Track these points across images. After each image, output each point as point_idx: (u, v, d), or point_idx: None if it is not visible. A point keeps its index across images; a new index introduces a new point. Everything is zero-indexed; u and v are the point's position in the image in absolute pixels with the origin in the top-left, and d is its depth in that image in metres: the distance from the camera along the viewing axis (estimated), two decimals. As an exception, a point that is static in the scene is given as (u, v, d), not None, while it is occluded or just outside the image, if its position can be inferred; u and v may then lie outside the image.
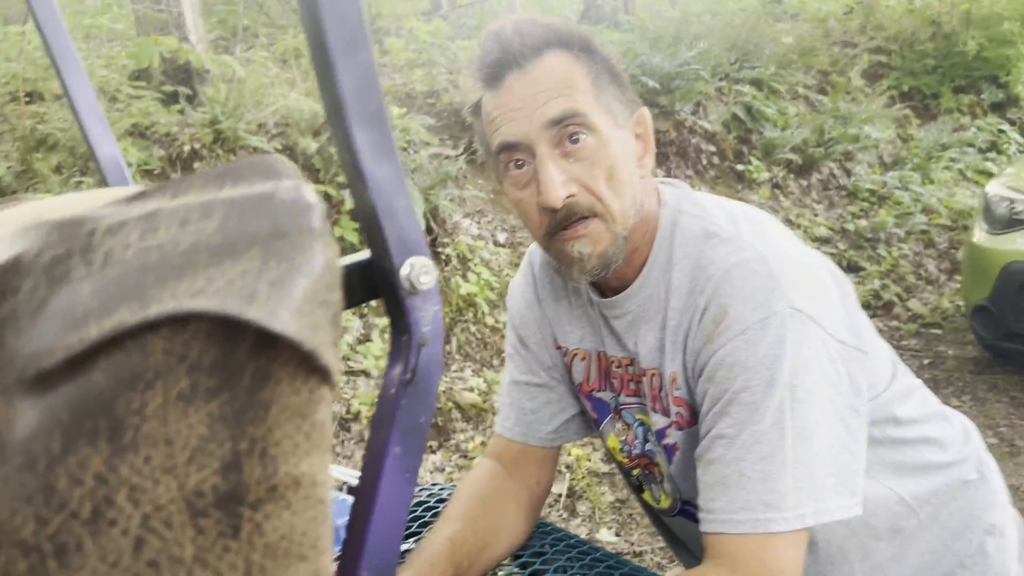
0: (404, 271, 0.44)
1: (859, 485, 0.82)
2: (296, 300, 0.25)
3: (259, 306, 0.24)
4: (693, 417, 0.90)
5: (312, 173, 3.95)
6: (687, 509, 1.00)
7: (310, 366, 0.26)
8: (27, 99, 3.63)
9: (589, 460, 3.20)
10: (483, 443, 3.18)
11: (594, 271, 0.88)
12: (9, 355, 0.23)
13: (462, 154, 4.54)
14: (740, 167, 5.64)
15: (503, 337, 3.74)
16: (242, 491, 0.25)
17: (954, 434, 1.01)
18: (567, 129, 0.83)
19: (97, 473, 0.23)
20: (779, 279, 0.82)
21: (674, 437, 0.93)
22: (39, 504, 0.23)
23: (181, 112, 3.91)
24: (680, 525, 1.05)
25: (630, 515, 2.96)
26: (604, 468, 3.16)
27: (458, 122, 4.92)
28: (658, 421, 0.95)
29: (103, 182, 0.92)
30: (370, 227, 0.45)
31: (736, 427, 0.80)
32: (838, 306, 0.87)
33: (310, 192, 0.28)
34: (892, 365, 0.98)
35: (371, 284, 0.46)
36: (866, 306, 4.73)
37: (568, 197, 0.84)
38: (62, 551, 0.23)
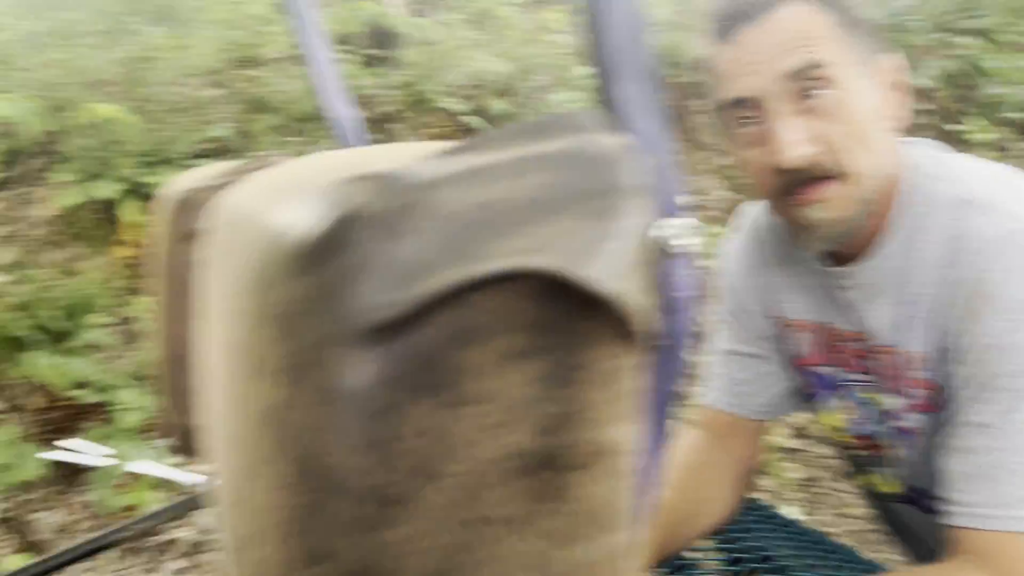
0: (661, 232, 0.43)
1: None
2: (618, 261, 0.24)
3: (587, 266, 0.24)
4: (938, 401, 0.82)
5: (502, 134, 4.02)
6: (918, 498, 0.93)
7: (628, 332, 0.25)
8: (246, 64, 3.93)
9: (774, 435, 3.09)
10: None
11: (832, 239, 0.81)
12: (345, 307, 0.23)
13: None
14: (956, 127, 5.13)
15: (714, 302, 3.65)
16: (556, 455, 0.25)
17: None
18: (807, 83, 0.77)
19: (430, 427, 0.24)
20: None
21: (912, 421, 0.86)
22: (378, 453, 0.24)
23: (379, 76, 4.09)
24: (904, 512, 0.97)
25: (817, 494, 2.83)
26: (791, 444, 3.03)
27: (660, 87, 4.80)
28: (892, 402, 0.88)
29: (340, 141, 0.97)
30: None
31: (999, 415, 0.73)
32: None
33: (622, 146, 0.27)
34: None
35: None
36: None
37: (807, 156, 0.77)
38: (398, 500, 0.24)
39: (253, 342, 0.27)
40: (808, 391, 1.01)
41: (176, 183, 0.75)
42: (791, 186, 0.79)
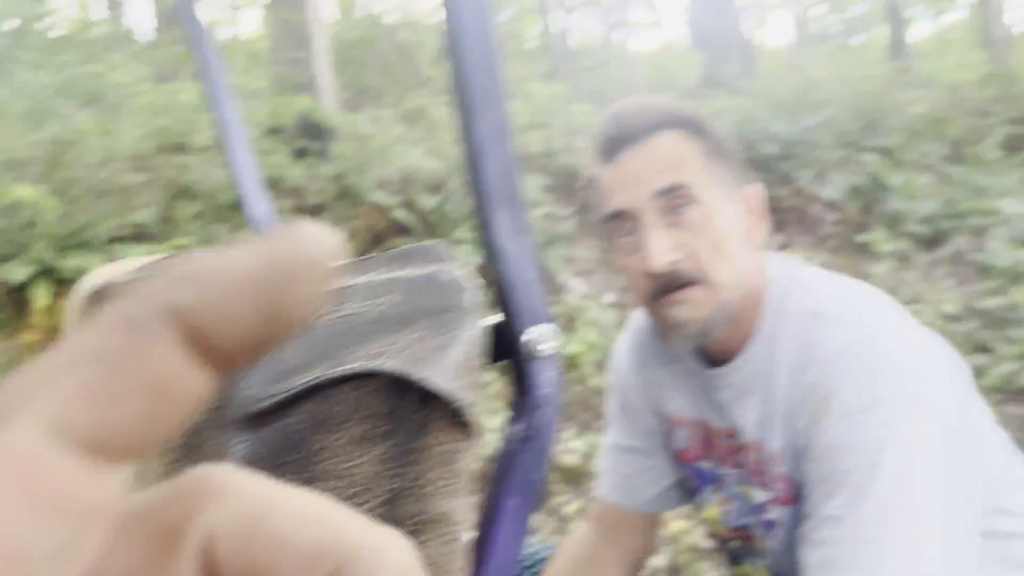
0: (527, 338, 0.49)
1: None
2: (452, 365, 0.30)
3: (425, 369, 0.29)
4: (796, 494, 0.90)
5: (429, 228, 4.11)
6: None
7: (459, 420, 0.31)
8: (173, 151, 3.96)
9: (690, 535, 3.13)
10: (581, 508, 3.17)
11: (694, 337, 0.90)
12: (227, 400, 0.28)
13: (574, 214, 4.62)
14: (863, 238, 5.48)
15: (606, 399, 3.74)
16: (397, 523, 0.30)
17: None
18: (675, 200, 0.88)
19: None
20: (889, 361, 0.82)
21: (776, 513, 0.93)
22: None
23: (310, 167, 4.17)
24: None
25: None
26: (707, 544, 3.08)
27: (572, 183, 5.02)
28: (758, 495, 0.95)
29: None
30: (500, 297, 0.50)
31: (843, 509, 0.80)
32: (950, 390, 0.86)
33: (466, 275, 0.33)
34: (1007, 454, 0.94)
35: (498, 348, 0.51)
36: (999, 390, 4.45)
37: (671, 263, 0.87)
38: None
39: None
40: (691, 485, 1.07)
41: (93, 276, 0.78)
42: (660, 290, 0.89)
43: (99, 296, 0.75)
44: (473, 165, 0.49)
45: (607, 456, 1.12)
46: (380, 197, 4.02)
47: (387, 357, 0.29)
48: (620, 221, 0.91)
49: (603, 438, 1.15)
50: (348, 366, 0.29)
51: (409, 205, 4.15)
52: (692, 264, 0.88)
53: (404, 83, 7.02)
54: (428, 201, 4.08)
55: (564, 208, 4.75)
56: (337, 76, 5.49)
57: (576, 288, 4.38)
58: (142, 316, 0.16)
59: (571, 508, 3.18)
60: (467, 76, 0.43)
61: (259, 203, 0.97)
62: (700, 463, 1.04)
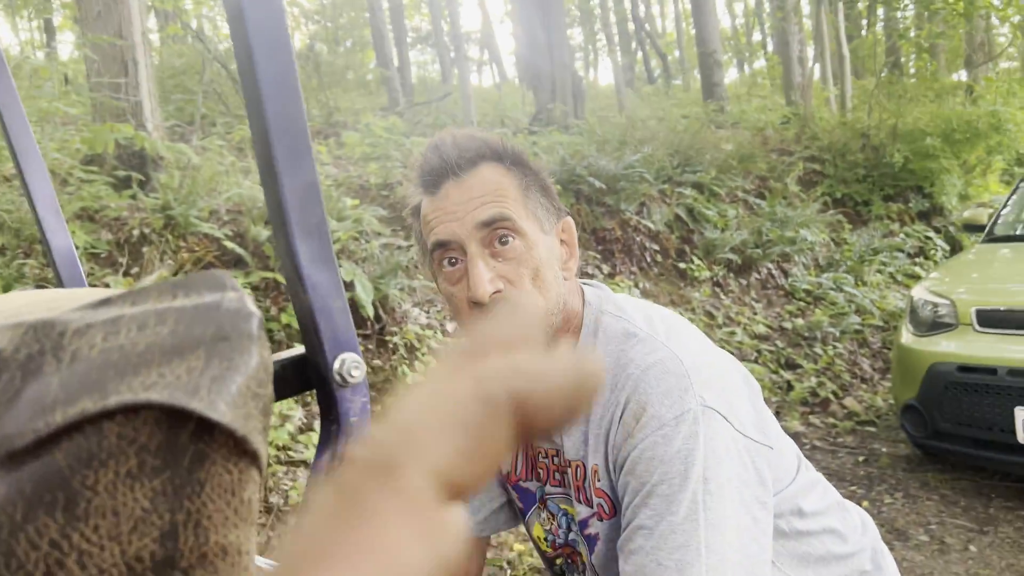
0: (336, 365, 0.50)
1: (766, 574, 0.86)
2: (232, 393, 0.30)
3: (200, 398, 0.29)
4: (614, 508, 0.94)
5: (262, 260, 3.98)
6: None
7: (241, 450, 0.31)
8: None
9: (532, 556, 3.18)
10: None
11: None
12: (-16, 436, 0.27)
13: (413, 244, 4.63)
14: (682, 265, 5.84)
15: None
16: (177, 557, 0.30)
17: (853, 524, 1.07)
18: (496, 232, 0.92)
19: (51, 539, 0.27)
20: (692, 378, 0.89)
21: (596, 527, 0.97)
22: (1, 565, 0.27)
23: (133, 197, 3.94)
24: None
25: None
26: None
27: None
28: (581, 511, 0.99)
29: (55, 273, 0.96)
30: (306, 326, 0.50)
31: (654, 518, 0.85)
32: (746, 404, 0.94)
33: (250, 303, 0.33)
34: (797, 459, 1.04)
35: (305, 377, 0.51)
36: (803, 403, 4.86)
37: (495, 292, 0.91)
38: (16, 607, 0.27)
39: None
40: (518, 506, 1.10)
41: None
42: (483, 316, 0.91)
43: None
44: (274, 197, 0.49)
45: None
46: (209, 228, 3.85)
47: (159, 388, 0.29)
48: (445, 251, 0.94)
49: None
50: (116, 398, 0.28)
51: (241, 236, 4.00)
52: (514, 293, 0.92)
53: (237, 112, 6.79)
54: (260, 232, 3.95)
55: (403, 239, 4.75)
56: (164, 104, 5.23)
57: (417, 318, 4.38)
58: (497, 396, 0.23)
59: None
60: (263, 100, 0.43)
61: (61, 238, 0.91)
62: (525, 483, 1.07)
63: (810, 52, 11.87)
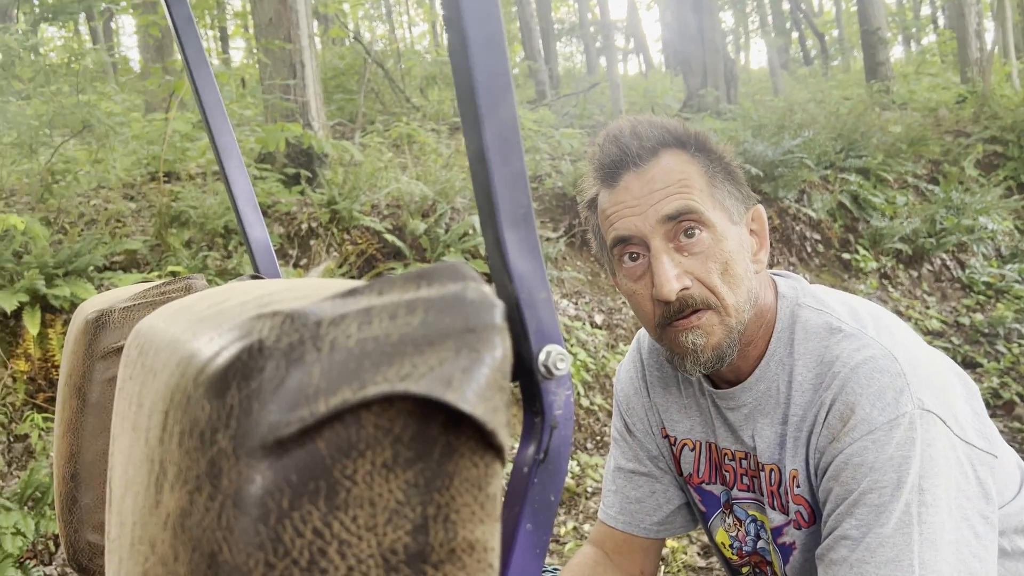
0: (541, 357, 0.48)
1: None
2: (481, 386, 0.30)
3: (454, 390, 0.29)
4: (813, 516, 0.88)
5: (419, 252, 4.11)
6: None
7: (488, 444, 0.30)
8: (165, 179, 3.95)
9: (685, 553, 3.10)
10: (575, 528, 3.14)
11: (708, 363, 0.89)
12: (254, 423, 0.28)
13: (562, 236, 4.63)
14: (847, 256, 5.52)
15: (597, 419, 3.72)
16: (428, 551, 0.29)
17: None
18: (682, 224, 0.86)
19: (315, 528, 0.28)
20: (908, 378, 0.81)
21: (792, 536, 0.92)
22: (269, 551, 0.27)
23: (301, 193, 4.17)
24: None
25: (728, 614, 2.84)
26: (701, 563, 3.06)
27: (559, 206, 5.04)
28: (775, 518, 0.93)
29: (253, 263, 1.01)
30: (512, 317, 0.50)
31: (861, 529, 0.79)
32: (966, 407, 0.85)
33: (492, 293, 0.32)
34: (1020, 471, 0.94)
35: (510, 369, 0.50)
36: (984, 405, 4.48)
37: (682, 290, 0.86)
38: (284, 592, 0.28)
39: (164, 454, 0.31)
40: (700, 509, 1.06)
41: (92, 303, 0.77)
42: (671, 316, 0.88)
43: (98, 324, 0.75)
44: (483, 186, 0.49)
45: (610, 479, 1.10)
46: (371, 222, 4.01)
47: (413, 379, 0.29)
48: (626, 246, 0.90)
49: (607, 460, 1.13)
50: (374, 389, 0.28)
51: (399, 229, 4.15)
52: (702, 290, 0.87)
53: (393, 110, 7.05)
54: (418, 225, 4.08)
55: (552, 230, 4.77)
56: (327, 103, 5.51)
57: (565, 309, 4.38)
58: None
59: (564, 529, 3.16)
60: (475, 92, 0.43)
61: (258, 230, 0.96)
62: (709, 486, 1.03)
63: (989, 24, 10.91)
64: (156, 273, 3.23)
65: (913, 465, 0.78)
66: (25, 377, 2.92)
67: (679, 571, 2.99)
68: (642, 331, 1.11)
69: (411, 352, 0.29)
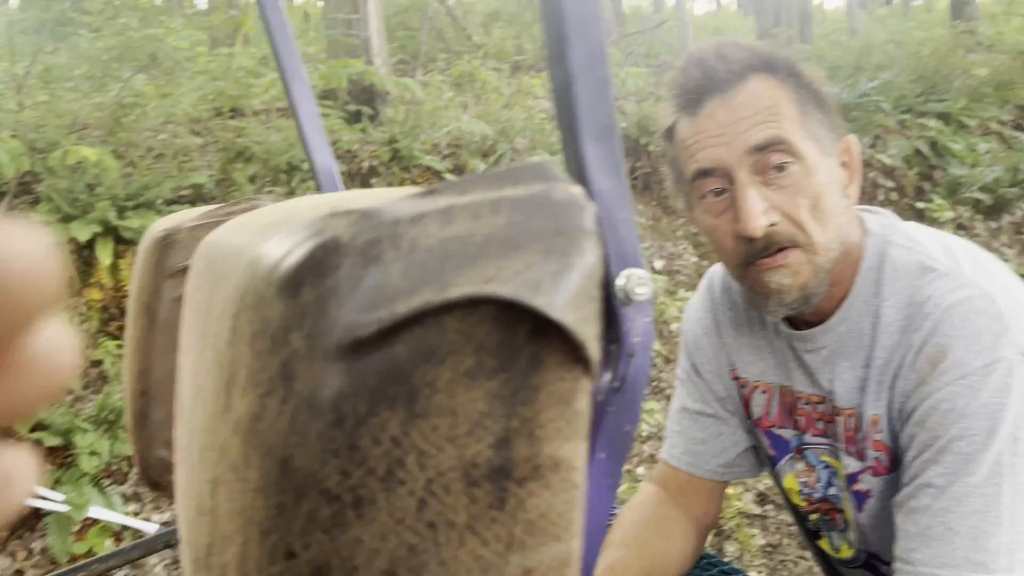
0: (620, 281, 0.45)
1: None
2: (572, 293, 0.27)
3: (543, 295, 0.26)
4: (893, 463, 0.85)
5: (479, 192, 4.09)
6: (872, 563, 0.94)
7: (576, 356, 0.28)
8: (231, 114, 3.98)
9: (740, 500, 3.09)
10: (628, 470, 3.14)
11: (793, 304, 0.84)
12: (330, 323, 0.26)
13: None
14: (920, 205, 5.31)
15: (654, 365, 3.69)
16: (510, 466, 0.27)
17: None
18: (771, 156, 0.81)
19: (393, 436, 0.26)
20: (1007, 321, 0.76)
21: (868, 483, 0.88)
22: (344, 458, 0.26)
23: (363, 130, 4.16)
24: None
25: (782, 561, 2.82)
26: (756, 510, 3.04)
27: (623, 148, 4.93)
28: (850, 464, 0.90)
29: (318, 188, 1.00)
30: (593, 237, 0.47)
31: (947, 477, 0.75)
32: None
33: (582, 194, 0.30)
34: None
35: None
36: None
37: (769, 226, 0.81)
38: (359, 503, 0.26)
39: (234, 358, 0.30)
40: (769, 453, 1.03)
41: (160, 223, 0.77)
42: (754, 254, 0.83)
43: (165, 244, 0.75)
44: (564, 93, 0.46)
45: (675, 420, 1.08)
46: (431, 161, 4.00)
47: (499, 282, 0.26)
48: (707, 179, 0.84)
49: (672, 401, 1.11)
50: (457, 291, 0.26)
51: (459, 169, 4.12)
52: (790, 226, 0.81)
53: (454, 48, 6.96)
54: (478, 165, 4.05)
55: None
56: (389, 40, 5.46)
57: (627, 255, 4.33)
58: None
59: (625, 468, 3.16)
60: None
61: (325, 159, 0.95)
62: (779, 430, 0.99)
63: (1091, -41, 10.16)
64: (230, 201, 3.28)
65: (1008, 414, 0.73)
66: (99, 306, 3.02)
67: (733, 517, 2.98)
68: (714, 269, 1.07)
69: (496, 254, 0.27)
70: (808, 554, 2.85)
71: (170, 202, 3.25)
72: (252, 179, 3.60)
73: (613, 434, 0.46)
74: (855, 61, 6.56)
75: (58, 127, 3.45)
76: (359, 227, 0.28)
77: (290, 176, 3.62)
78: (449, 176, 3.98)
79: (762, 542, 2.93)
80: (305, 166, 3.60)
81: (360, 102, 4.38)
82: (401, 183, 4.01)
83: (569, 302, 0.27)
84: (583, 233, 0.28)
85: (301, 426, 0.26)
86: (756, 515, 3.04)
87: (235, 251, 0.36)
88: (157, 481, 0.74)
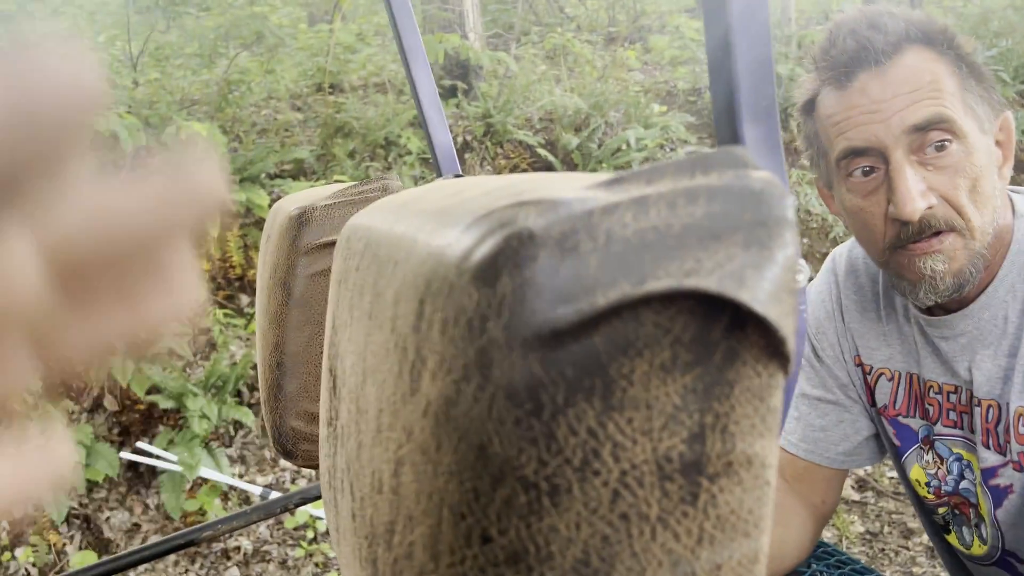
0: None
1: None
2: (774, 286, 0.26)
3: (747, 289, 0.26)
4: None
5: (571, 167, 4.06)
6: (1008, 560, 0.90)
7: (773, 351, 0.27)
8: (330, 90, 4.07)
9: (838, 485, 3.01)
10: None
11: (946, 291, 0.80)
12: (529, 313, 0.26)
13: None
14: (1041, 182, 5.00)
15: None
16: (703, 462, 0.27)
17: None
18: (931, 135, 0.77)
19: (589, 427, 0.26)
20: None
21: (1009, 478, 0.84)
22: (542, 447, 0.26)
23: (457, 105, 4.19)
24: None
25: (882, 549, 2.75)
26: (855, 496, 2.96)
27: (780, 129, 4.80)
28: (988, 459, 0.86)
29: (436, 165, 1.02)
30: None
31: None
32: None
33: (780, 183, 0.29)
34: None
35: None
36: None
37: (928, 208, 0.77)
38: (555, 491, 0.26)
39: (420, 342, 0.30)
40: (894, 443, 0.99)
41: (291, 200, 0.80)
42: (906, 237, 0.79)
43: (300, 221, 0.77)
44: (722, 71, 0.44)
45: (794, 405, 1.04)
46: (524, 136, 3.99)
47: (700, 275, 0.26)
48: (862, 158, 0.80)
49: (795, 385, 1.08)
50: (658, 283, 0.25)
51: (552, 144, 4.10)
52: (947, 209, 0.78)
53: (546, 21, 6.90)
54: (571, 140, 4.02)
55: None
56: (482, 14, 5.46)
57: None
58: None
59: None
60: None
61: (443, 134, 0.96)
62: (906, 420, 0.96)
63: None
64: (323, 181, 3.37)
65: None
66: (207, 276, 3.15)
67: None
68: (839, 250, 1.03)
69: (695, 245, 0.26)
70: (909, 543, 2.75)
71: (273, 176, 3.35)
72: (351, 154, 3.67)
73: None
74: (972, 29, 6.18)
75: (169, 103, 3.60)
76: (552, 218, 0.28)
77: (387, 151, 3.68)
78: (542, 151, 3.97)
79: (861, 529, 2.86)
80: (401, 141, 3.65)
81: (454, 77, 4.40)
82: (494, 158, 4.02)
83: (772, 296, 0.26)
84: (784, 223, 0.27)
85: (499, 413, 0.26)
86: (855, 502, 2.96)
87: (402, 236, 0.37)
88: (291, 450, 0.77)
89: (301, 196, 0.80)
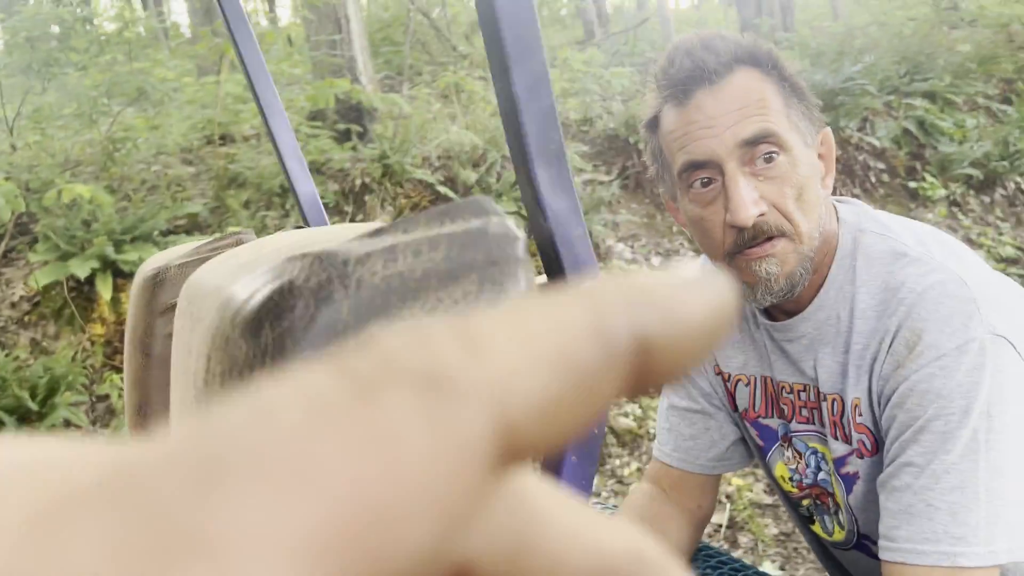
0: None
1: None
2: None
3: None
4: (876, 445, 0.87)
5: (472, 202, 4.11)
6: (864, 543, 0.97)
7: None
8: (220, 141, 4.02)
9: (751, 491, 3.11)
10: (639, 469, 3.17)
11: (780, 292, 0.86)
12: (287, 360, 0.29)
13: (615, 179, 4.58)
14: (913, 184, 5.33)
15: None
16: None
17: None
18: (760, 148, 0.83)
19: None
20: (978, 302, 0.79)
21: (855, 466, 0.91)
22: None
23: (353, 149, 4.20)
24: (853, 560, 1.01)
25: (795, 548, 2.84)
26: (767, 500, 3.06)
27: (612, 148, 4.96)
28: (837, 449, 0.92)
29: (302, 217, 1.03)
30: (547, 254, 0.50)
31: (926, 456, 0.78)
32: None
33: (514, 226, 0.33)
34: None
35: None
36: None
37: (759, 215, 0.83)
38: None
39: (210, 396, 0.33)
40: (757, 444, 1.05)
41: (151, 261, 0.80)
42: (742, 243, 0.85)
43: (156, 281, 0.78)
44: (512, 121, 0.49)
45: (664, 417, 1.10)
46: (423, 175, 4.03)
47: (439, 312, 0.29)
48: (699, 170, 0.86)
49: (660, 399, 1.13)
50: (400, 324, 0.29)
51: (451, 181, 4.16)
52: (777, 216, 0.84)
53: (439, 60, 7.00)
54: (469, 175, 4.08)
55: (605, 174, 4.71)
56: (374, 57, 5.50)
57: (621, 253, 4.35)
58: (618, 332, 0.13)
59: (628, 470, 3.19)
60: (502, 29, 0.42)
61: (305, 184, 0.98)
62: (766, 420, 1.02)
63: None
64: (217, 235, 3.32)
65: (982, 391, 0.76)
66: (102, 340, 3.05)
67: (745, 508, 3.00)
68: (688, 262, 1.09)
69: (435, 286, 0.30)
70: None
71: (166, 233, 3.28)
72: (246, 204, 3.63)
73: (581, 439, 0.49)
74: (838, 46, 6.59)
75: (51, 166, 3.50)
76: (312, 270, 0.31)
77: (283, 198, 3.66)
78: (441, 188, 4.01)
79: (775, 531, 2.95)
80: (298, 188, 3.62)
81: (348, 120, 4.42)
82: (395, 198, 4.05)
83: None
84: (515, 262, 0.31)
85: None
86: (768, 505, 3.06)
87: (211, 292, 0.39)
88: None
89: (160, 256, 0.81)
